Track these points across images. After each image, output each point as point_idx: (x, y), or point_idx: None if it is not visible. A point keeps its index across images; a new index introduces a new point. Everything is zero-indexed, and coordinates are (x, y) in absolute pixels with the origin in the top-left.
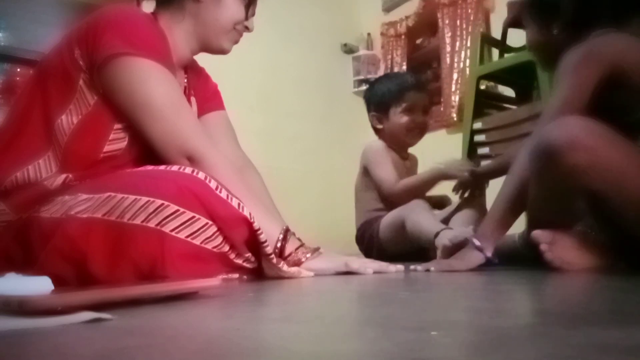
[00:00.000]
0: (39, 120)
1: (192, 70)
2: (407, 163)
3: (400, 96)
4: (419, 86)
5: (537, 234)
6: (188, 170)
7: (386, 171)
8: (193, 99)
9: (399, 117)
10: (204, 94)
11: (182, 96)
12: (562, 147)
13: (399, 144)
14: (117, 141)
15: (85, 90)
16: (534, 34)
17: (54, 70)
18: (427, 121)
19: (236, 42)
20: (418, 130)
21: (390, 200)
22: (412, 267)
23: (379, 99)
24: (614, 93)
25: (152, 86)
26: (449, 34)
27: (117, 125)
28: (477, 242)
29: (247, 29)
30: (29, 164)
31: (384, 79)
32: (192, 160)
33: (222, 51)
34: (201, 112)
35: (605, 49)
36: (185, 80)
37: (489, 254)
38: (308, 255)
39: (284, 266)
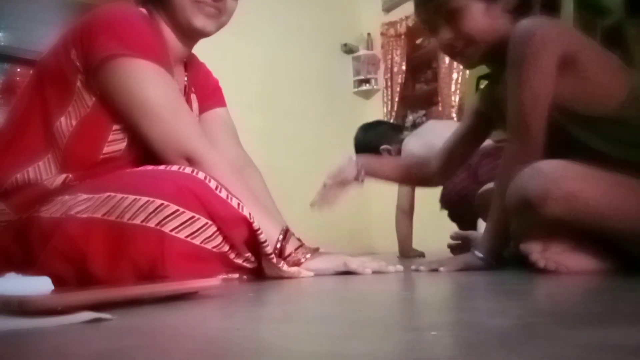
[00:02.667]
0: (38, 122)
1: (192, 67)
2: None
3: None
4: None
5: (526, 246)
6: (188, 170)
7: None
8: (193, 96)
9: None
10: (204, 91)
11: (179, 96)
12: (537, 201)
13: None
14: (116, 142)
15: (83, 91)
16: (476, 14)
17: (52, 72)
18: None
19: (210, 15)
20: None
21: None
22: (413, 267)
23: None
24: (563, 85)
25: (149, 88)
26: None
27: (116, 127)
28: (479, 254)
29: None
30: (28, 166)
31: None
32: (190, 161)
33: (197, 30)
34: (202, 109)
35: (559, 32)
36: (185, 78)
37: (488, 259)
38: (308, 255)
39: (284, 266)
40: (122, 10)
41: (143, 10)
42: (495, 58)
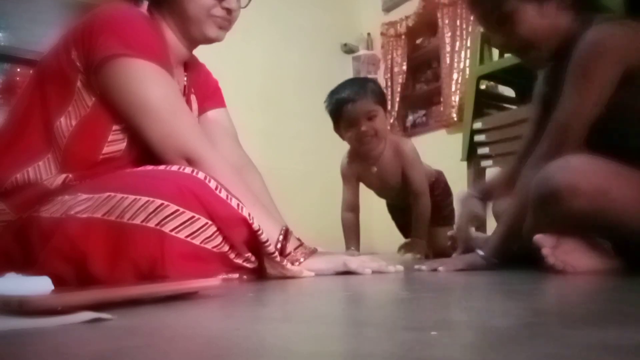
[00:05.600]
0: (38, 122)
1: (192, 67)
2: (373, 168)
3: (338, 114)
4: (353, 97)
5: (540, 238)
6: (188, 170)
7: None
8: (193, 97)
9: (345, 132)
10: (204, 92)
11: (179, 97)
12: (563, 193)
13: (360, 155)
14: (116, 142)
15: (83, 91)
16: (530, 17)
17: (52, 72)
18: (374, 126)
19: (222, 26)
20: (368, 138)
21: None
22: (416, 266)
23: (330, 116)
24: (623, 94)
25: (149, 88)
26: (449, 34)
27: (116, 127)
28: (481, 253)
29: (229, 10)
30: (28, 166)
31: (332, 94)
32: (190, 161)
33: (210, 40)
34: (202, 110)
35: (619, 43)
36: (185, 78)
37: (491, 259)
38: (307, 255)
39: (287, 264)
40: (122, 11)
41: (144, 10)
42: (561, 56)
